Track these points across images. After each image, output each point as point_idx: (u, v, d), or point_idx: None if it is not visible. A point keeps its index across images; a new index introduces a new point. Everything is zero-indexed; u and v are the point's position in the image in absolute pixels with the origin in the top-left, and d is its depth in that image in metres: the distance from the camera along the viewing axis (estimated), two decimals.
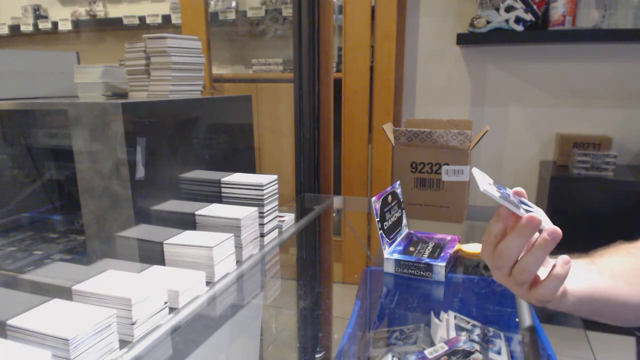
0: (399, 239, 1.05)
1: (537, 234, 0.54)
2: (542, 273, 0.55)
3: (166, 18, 2.92)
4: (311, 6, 1.72)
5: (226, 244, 0.96)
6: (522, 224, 0.52)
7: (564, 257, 0.54)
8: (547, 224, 0.54)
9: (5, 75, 1.30)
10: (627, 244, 0.66)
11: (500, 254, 0.54)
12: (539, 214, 0.53)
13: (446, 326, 0.74)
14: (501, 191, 0.54)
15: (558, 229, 0.52)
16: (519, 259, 0.54)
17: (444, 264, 0.93)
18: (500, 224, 0.54)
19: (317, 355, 0.75)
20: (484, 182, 0.53)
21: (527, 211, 0.53)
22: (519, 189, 0.57)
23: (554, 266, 0.54)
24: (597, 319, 0.62)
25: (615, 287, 0.58)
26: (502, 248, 0.54)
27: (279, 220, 1.23)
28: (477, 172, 0.56)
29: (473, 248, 1.06)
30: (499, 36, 1.90)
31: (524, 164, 2.13)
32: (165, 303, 0.79)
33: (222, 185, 1.15)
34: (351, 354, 0.74)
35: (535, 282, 0.55)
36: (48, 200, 1.50)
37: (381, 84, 2.03)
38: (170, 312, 0.81)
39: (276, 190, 1.17)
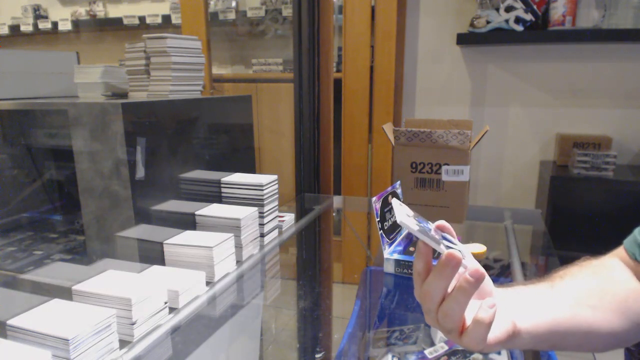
0: (399, 239, 1.05)
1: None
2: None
3: (166, 18, 2.92)
4: (311, 6, 1.72)
5: (226, 244, 0.96)
6: (440, 262, 0.46)
7: (488, 301, 0.47)
8: (471, 262, 0.47)
9: (5, 75, 1.30)
10: (592, 260, 0.62)
11: (423, 296, 0.48)
12: (462, 251, 0.47)
13: None
14: (421, 225, 0.48)
15: (481, 270, 0.45)
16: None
17: None
18: (421, 261, 0.48)
19: (317, 355, 0.75)
20: (402, 214, 0.47)
21: (448, 248, 0.47)
22: (442, 222, 0.50)
23: (478, 311, 0.47)
24: (560, 350, 0.56)
25: (577, 316, 0.53)
26: (424, 289, 0.48)
27: (279, 220, 1.23)
28: (396, 203, 0.50)
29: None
30: (499, 36, 1.90)
31: (524, 164, 2.13)
32: (165, 303, 0.79)
33: (222, 185, 1.15)
34: (351, 354, 0.74)
35: (464, 328, 0.48)
36: (48, 200, 1.50)
37: (381, 84, 2.03)
38: (170, 312, 0.81)
39: (276, 190, 1.17)
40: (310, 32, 1.73)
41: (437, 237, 0.48)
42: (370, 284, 1.03)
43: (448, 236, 0.51)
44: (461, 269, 0.46)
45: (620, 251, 0.63)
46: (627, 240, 0.62)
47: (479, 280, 0.45)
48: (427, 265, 0.48)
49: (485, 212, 1.54)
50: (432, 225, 0.51)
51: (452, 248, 0.47)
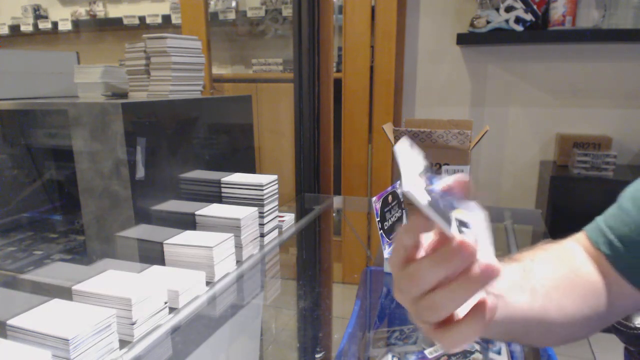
0: None
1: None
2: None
3: (166, 18, 2.92)
4: (311, 6, 1.72)
5: (226, 244, 0.96)
6: (447, 249, 0.34)
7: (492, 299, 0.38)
8: (485, 252, 0.35)
9: (5, 75, 1.30)
10: (554, 245, 0.58)
11: (409, 277, 0.37)
12: (479, 234, 0.35)
13: None
14: (433, 192, 0.34)
15: (496, 265, 0.34)
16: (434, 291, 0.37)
17: None
18: (412, 235, 0.37)
19: (317, 355, 0.75)
20: (410, 179, 0.33)
21: (460, 227, 0.34)
22: (458, 179, 0.37)
23: (475, 306, 0.37)
24: (518, 342, 0.53)
25: (544, 308, 0.49)
26: (412, 272, 0.37)
27: (279, 220, 1.23)
28: (401, 152, 0.36)
29: None
30: (499, 36, 1.90)
31: (524, 164, 2.13)
32: (165, 303, 0.79)
33: (222, 185, 1.15)
34: (351, 354, 0.74)
35: (447, 320, 0.38)
36: (48, 200, 1.50)
37: (381, 84, 2.03)
38: (170, 312, 0.81)
39: (276, 190, 1.17)
40: (310, 32, 1.73)
41: (448, 211, 0.34)
42: (370, 284, 1.03)
43: (462, 203, 0.37)
44: None
45: (580, 237, 0.60)
46: (590, 228, 0.60)
47: (491, 277, 0.34)
48: (417, 243, 0.37)
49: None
50: (440, 183, 0.36)
51: (464, 231, 0.34)
